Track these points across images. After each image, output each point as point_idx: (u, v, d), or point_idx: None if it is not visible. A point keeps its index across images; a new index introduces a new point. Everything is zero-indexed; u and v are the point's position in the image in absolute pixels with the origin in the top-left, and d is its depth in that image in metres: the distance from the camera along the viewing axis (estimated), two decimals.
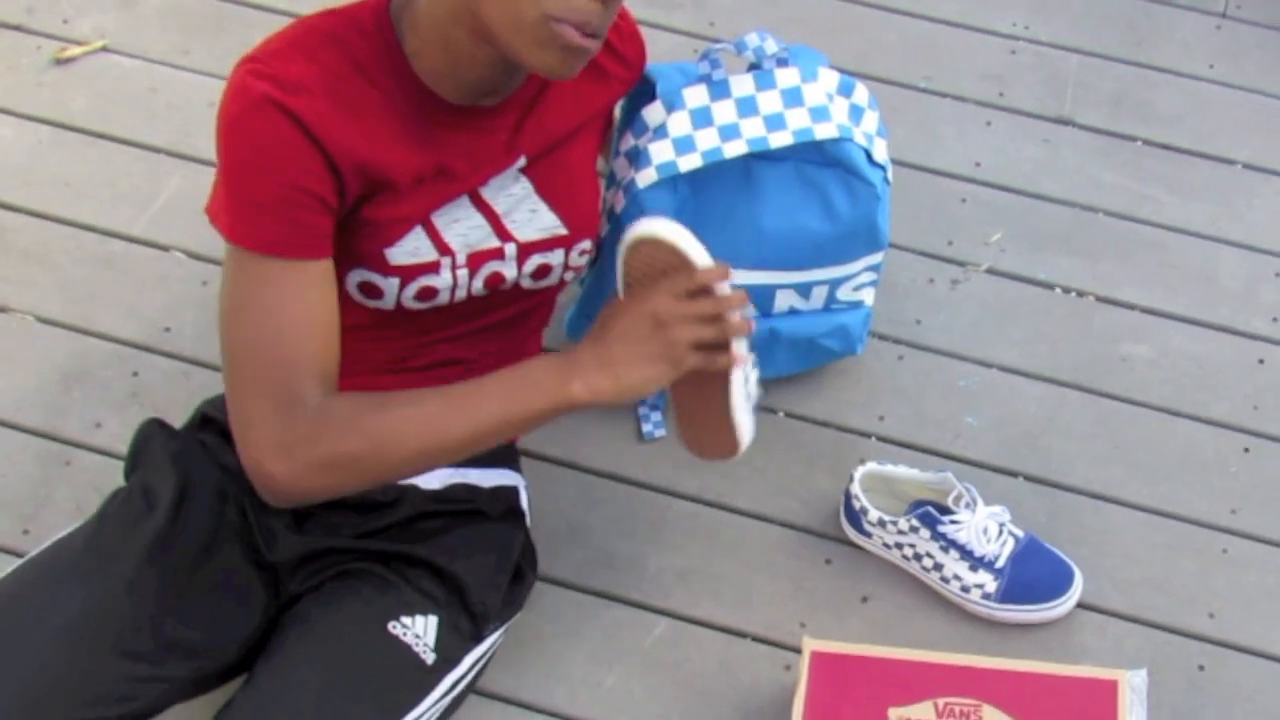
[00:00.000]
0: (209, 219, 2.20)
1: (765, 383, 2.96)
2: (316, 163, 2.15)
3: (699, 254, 2.26)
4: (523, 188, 2.40)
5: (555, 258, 2.49)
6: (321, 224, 2.19)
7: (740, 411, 2.39)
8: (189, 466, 2.45)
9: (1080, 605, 2.82)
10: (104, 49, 3.57)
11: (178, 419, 2.57)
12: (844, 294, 2.92)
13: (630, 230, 2.29)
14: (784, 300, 2.88)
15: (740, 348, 2.29)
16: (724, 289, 2.26)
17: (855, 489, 2.84)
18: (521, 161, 2.37)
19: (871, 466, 2.86)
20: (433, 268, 2.34)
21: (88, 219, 3.29)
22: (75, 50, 3.55)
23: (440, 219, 2.33)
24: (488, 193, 2.37)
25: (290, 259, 2.18)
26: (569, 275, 2.54)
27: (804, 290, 2.87)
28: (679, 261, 2.26)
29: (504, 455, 2.68)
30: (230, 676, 2.46)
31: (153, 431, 2.52)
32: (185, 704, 2.48)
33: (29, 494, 2.90)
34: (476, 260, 2.39)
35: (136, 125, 3.44)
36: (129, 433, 2.57)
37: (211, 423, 2.54)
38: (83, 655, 2.21)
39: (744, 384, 2.38)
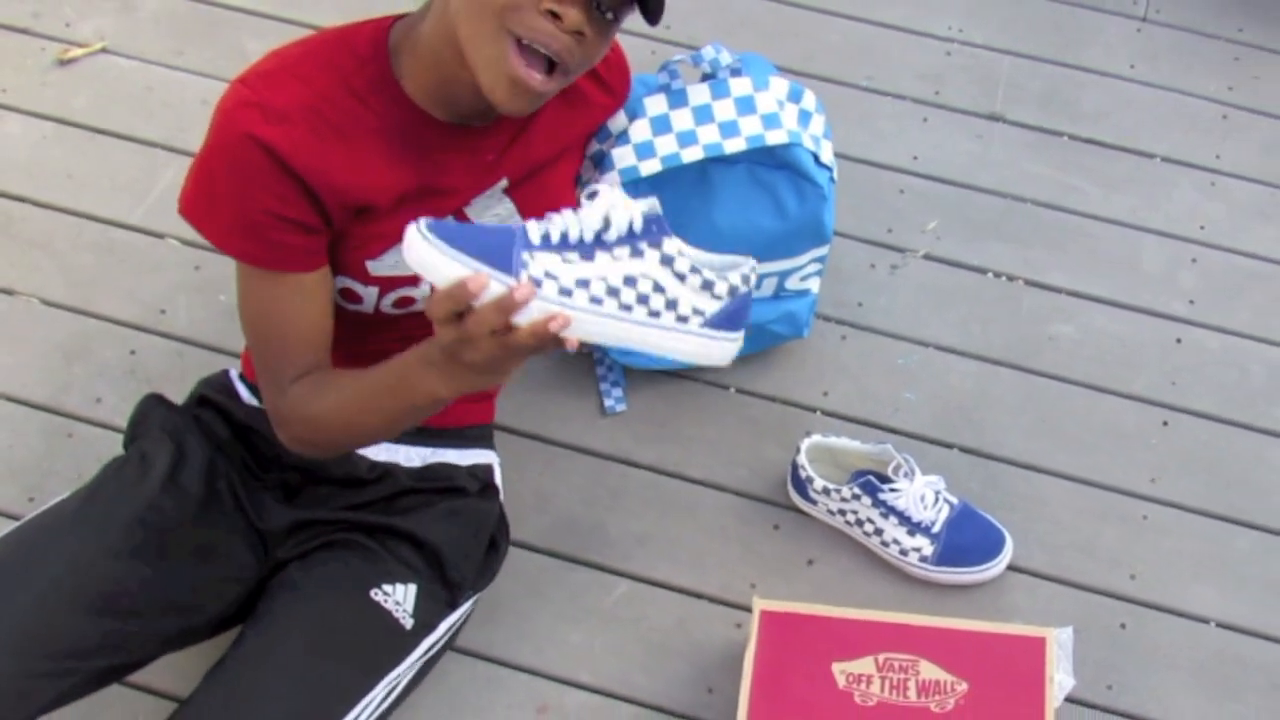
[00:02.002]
0: (183, 215, 2.19)
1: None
2: (292, 191, 2.13)
3: (442, 272, 1.89)
4: (507, 208, 2.38)
5: None
6: (306, 244, 2.19)
7: (672, 348, 2.00)
8: (184, 438, 2.44)
9: (1011, 568, 2.83)
10: (104, 50, 3.55)
11: (172, 394, 2.56)
12: (792, 284, 2.92)
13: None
14: None
15: (582, 326, 1.93)
16: (487, 296, 1.87)
17: (801, 459, 2.83)
18: (503, 183, 2.36)
19: (816, 438, 2.85)
20: (412, 280, 2.33)
21: (88, 209, 3.28)
22: (77, 52, 3.53)
23: None
24: (472, 212, 2.35)
25: (273, 271, 2.19)
26: None
27: (755, 281, 2.85)
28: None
29: (480, 435, 2.68)
30: (217, 631, 2.46)
31: (151, 405, 2.52)
32: (177, 660, 2.48)
33: (34, 464, 2.89)
34: None
35: (134, 122, 3.42)
36: (127, 407, 2.56)
37: (208, 402, 2.54)
38: (70, 609, 2.20)
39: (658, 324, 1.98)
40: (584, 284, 1.93)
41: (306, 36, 2.23)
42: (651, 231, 1.94)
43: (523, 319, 1.88)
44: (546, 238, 1.93)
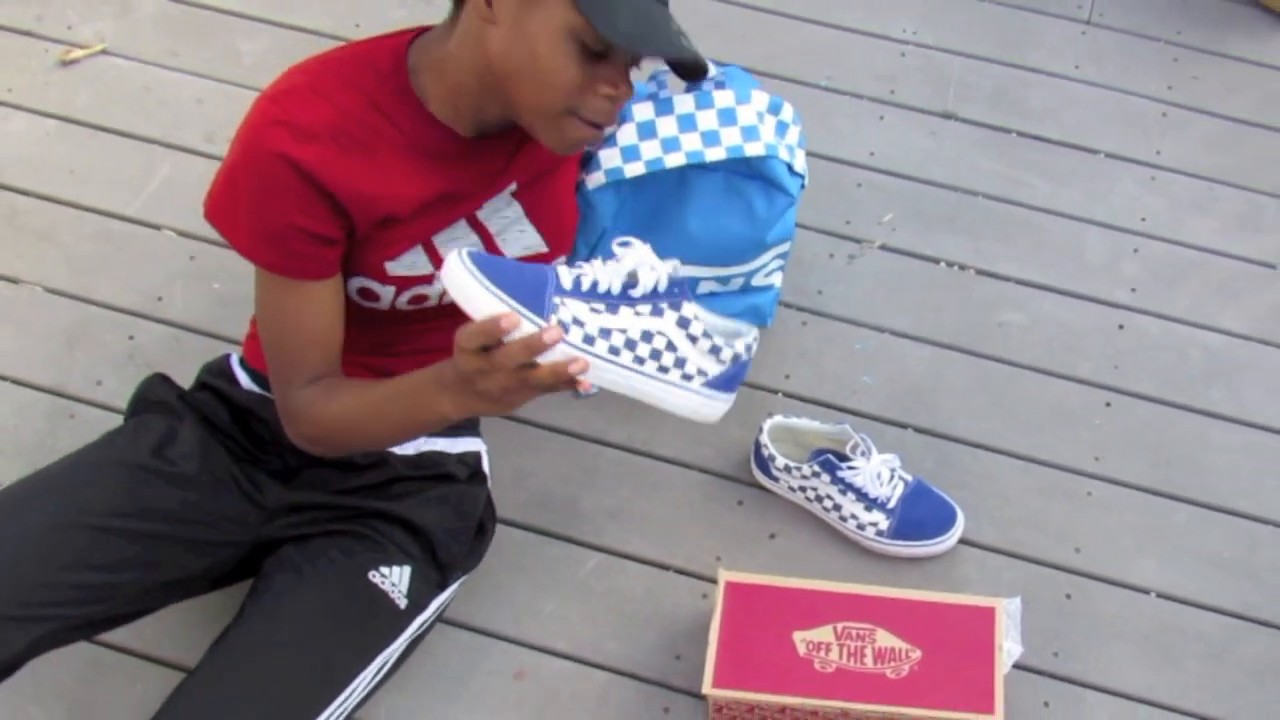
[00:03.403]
0: (208, 220, 2.19)
1: None
2: (320, 207, 2.13)
3: (478, 305, 1.94)
4: (515, 211, 2.38)
5: None
6: (323, 255, 2.19)
7: (673, 402, 2.05)
8: (180, 414, 2.44)
9: (962, 541, 2.83)
10: (104, 52, 3.54)
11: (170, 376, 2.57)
12: (757, 280, 2.93)
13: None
14: (705, 286, 2.90)
15: (597, 373, 1.98)
16: (517, 334, 1.90)
17: (764, 439, 2.83)
18: (512, 187, 2.36)
19: (778, 419, 2.85)
20: (426, 280, 2.33)
21: (89, 202, 3.27)
22: (78, 53, 3.52)
23: (439, 238, 2.31)
24: (483, 215, 2.35)
25: (290, 279, 2.18)
26: None
27: (723, 279, 2.88)
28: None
29: (468, 424, 2.68)
30: (203, 591, 2.47)
31: (153, 384, 2.52)
32: (182, 631, 2.50)
33: (37, 444, 2.89)
34: None
35: (132, 119, 3.41)
36: (127, 389, 2.56)
37: (208, 386, 2.54)
38: (45, 561, 2.19)
39: (653, 373, 2.02)
40: (606, 334, 1.98)
41: (327, 52, 2.22)
42: (673, 294, 1.99)
43: (545, 358, 1.92)
44: (578, 284, 1.98)
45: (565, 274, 1.98)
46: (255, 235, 2.15)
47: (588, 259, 2.68)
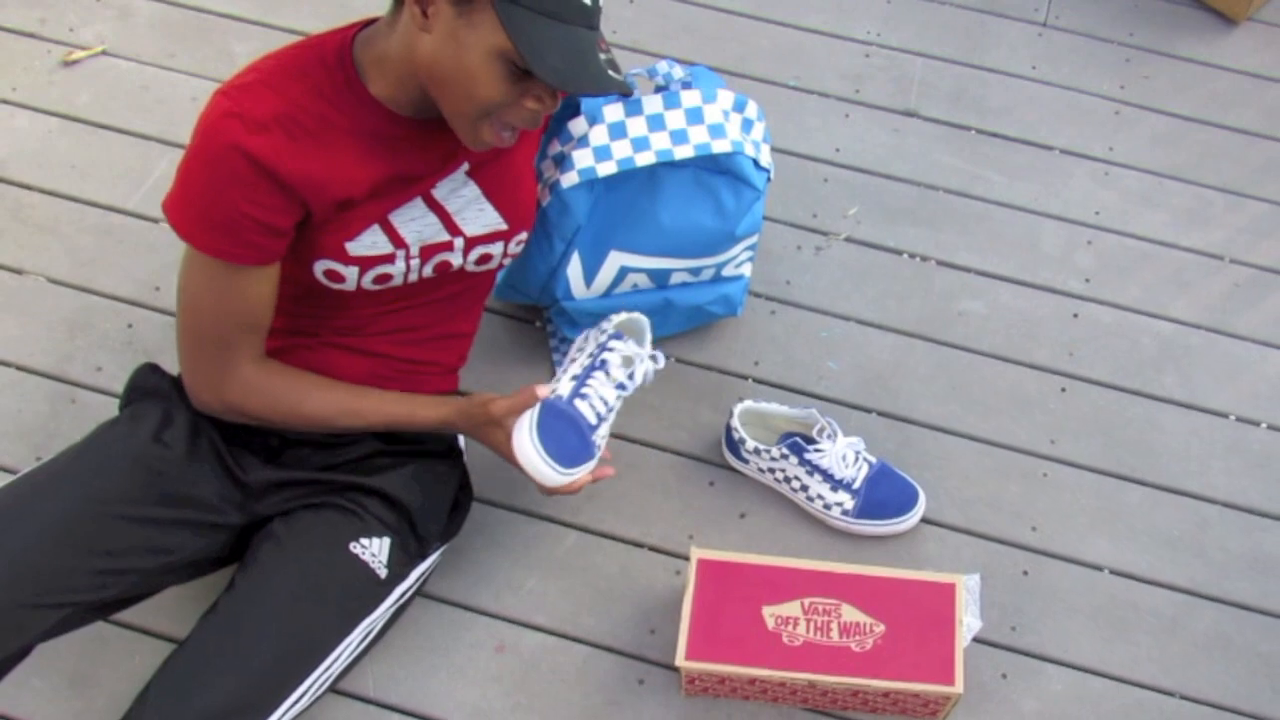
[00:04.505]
0: (164, 210, 2.19)
1: (661, 339, 2.98)
2: (271, 197, 2.15)
3: (547, 479, 2.32)
4: (472, 191, 2.39)
5: (496, 248, 2.48)
6: (269, 244, 2.20)
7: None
8: (172, 402, 2.43)
9: (924, 520, 2.84)
10: (104, 53, 3.53)
11: (165, 363, 2.59)
12: (728, 271, 2.93)
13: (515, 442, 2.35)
14: (678, 277, 2.89)
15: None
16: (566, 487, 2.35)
17: (734, 422, 2.83)
18: (465, 167, 2.36)
19: (748, 404, 2.85)
20: (388, 258, 2.34)
21: (90, 196, 3.26)
22: (80, 54, 3.52)
23: (397, 218, 2.32)
24: (439, 194, 2.35)
25: (234, 265, 2.19)
26: (507, 260, 2.54)
27: (695, 270, 2.88)
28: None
29: None
30: (204, 573, 2.47)
31: (145, 373, 2.52)
32: (174, 605, 2.49)
33: (40, 427, 2.89)
34: (428, 252, 2.38)
35: (131, 117, 3.40)
36: (125, 375, 2.57)
37: None
38: (60, 550, 2.20)
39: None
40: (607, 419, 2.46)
41: (279, 49, 2.23)
42: (631, 382, 2.48)
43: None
44: (599, 416, 2.40)
45: (586, 410, 2.38)
46: (205, 223, 2.16)
47: (564, 254, 2.71)
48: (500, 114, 2.14)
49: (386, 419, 2.41)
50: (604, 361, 2.44)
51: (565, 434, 2.34)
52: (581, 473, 2.34)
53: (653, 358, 2.50)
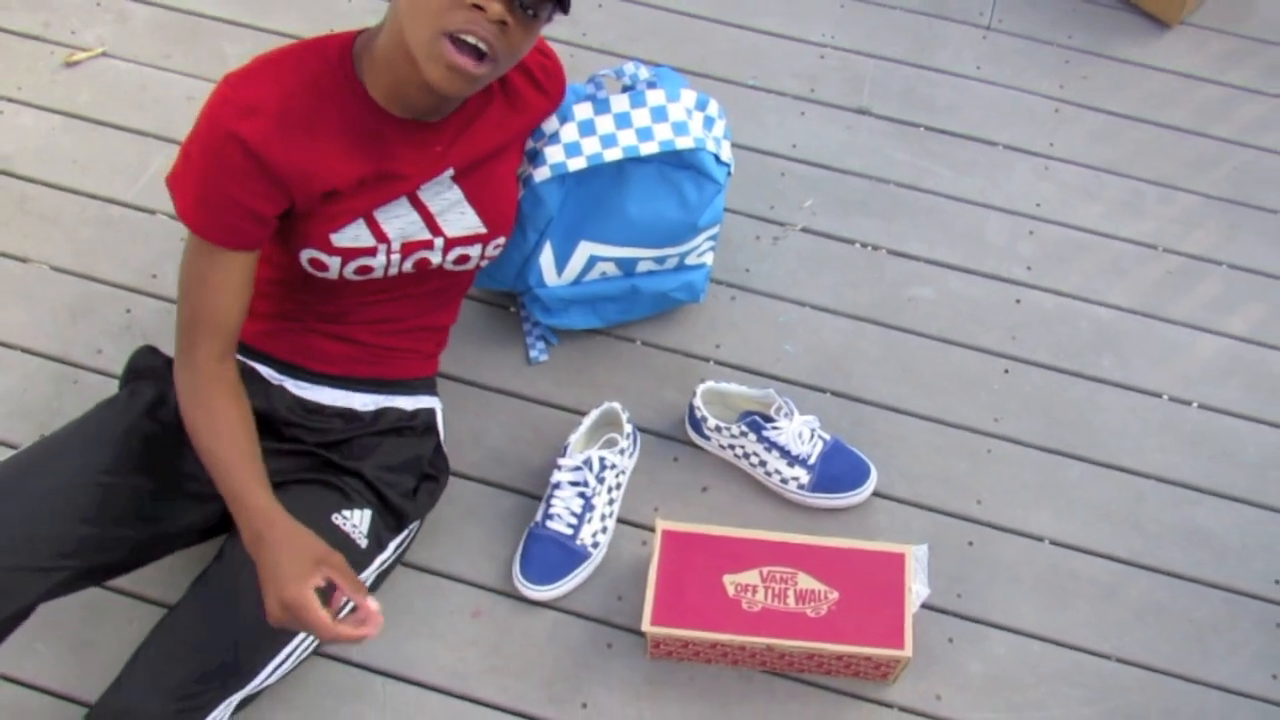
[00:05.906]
0: (167, 186, 2.21)
1: (628, 323, 2.98)
2: (259, 184, 2.17)
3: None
4: (455, 194, 2.40)
5: (474, 250, 2.49)
6: (254, 231, 2.22)
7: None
8: (168, 381, 2.43)
9: (875, 494, 2.85)
10: (104, 54, 3.52)
11: (163, 346, 2.56)
12: (691, 260, 2.94)
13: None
14: (644, 265, 2.90)
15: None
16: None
17: (697, 402, 2.84)
18: (450, 171, 2.37)
19: (710, 384, 2.86)
20: (370, 251, 2.35)
21: (91, 189, 3.26)
22: (81, 55, 3.51)
23: (381, 214, 2.33)
24: (424, 195, 2.36)
25: (224, 248, 2.20)
26: (484, 262, 2.55)
27: (660, 259, 2.89)
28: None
29: (424, 385, 2.70)
30: (195, 542, 2.47)
31: (144, 354, 2.52)
32: (167, 573, 2.50)
33: (44, 406, 2.89)
34: (409, 248, 2.40)
35: (129, 115, 3.40)
36: (124, 357, 2.58)
37: None
38: (55, 517, 2.21)
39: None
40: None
41: (289, 44, 2.24)
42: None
43: None
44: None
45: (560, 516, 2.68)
46: (198, 202, 2.17)
47: (536, 244, 2.72)
48: (451, 25, 2.08)
49: (230, 486, 2.26)
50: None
51: (555, 562, 2.69)
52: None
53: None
